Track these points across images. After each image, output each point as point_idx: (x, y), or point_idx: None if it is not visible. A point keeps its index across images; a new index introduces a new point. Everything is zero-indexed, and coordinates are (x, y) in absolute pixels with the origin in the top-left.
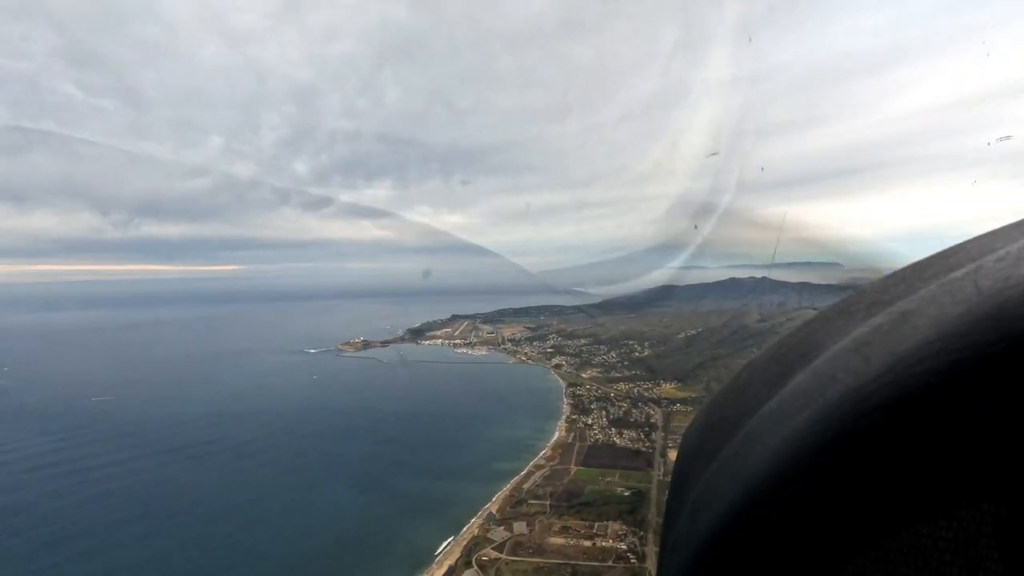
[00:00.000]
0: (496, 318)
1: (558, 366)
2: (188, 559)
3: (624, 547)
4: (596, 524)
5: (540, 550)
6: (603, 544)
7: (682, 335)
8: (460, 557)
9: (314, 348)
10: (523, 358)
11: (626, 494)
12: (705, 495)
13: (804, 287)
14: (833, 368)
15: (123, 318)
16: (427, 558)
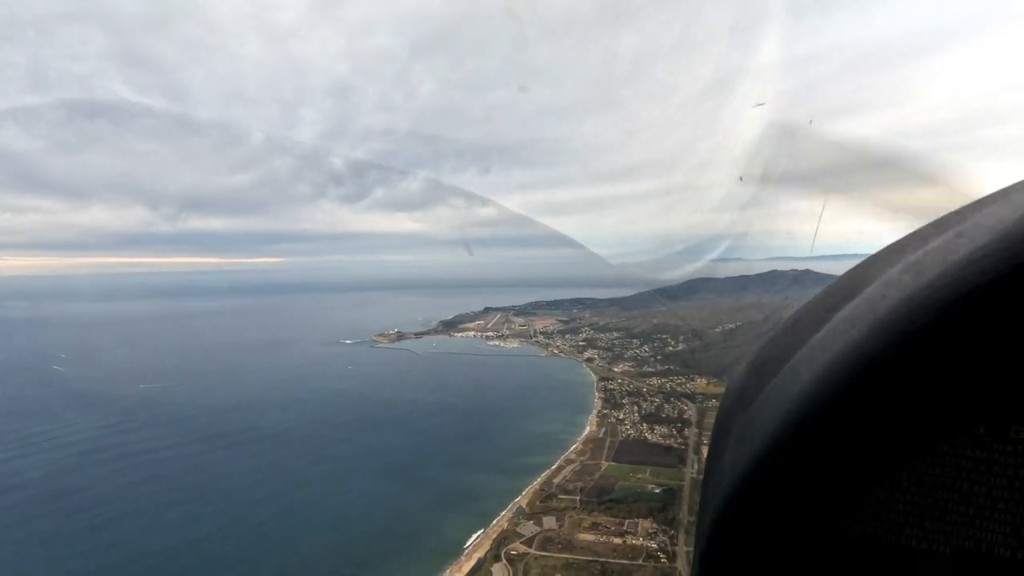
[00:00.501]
0: (528, 311)
1: (590, 359)
2: (224, 543)
3: (655, 546)
4: (626, 521)
5: (569, 546)
6: (633, 542)
7: (719, 329)
8: (489, 550)
9: (349, 339)
10: (555, 351)
11: (657, 491)
12: (748, 428)
13: None
14: (884, 289)
15: (171, 308)
16: (456, 550)
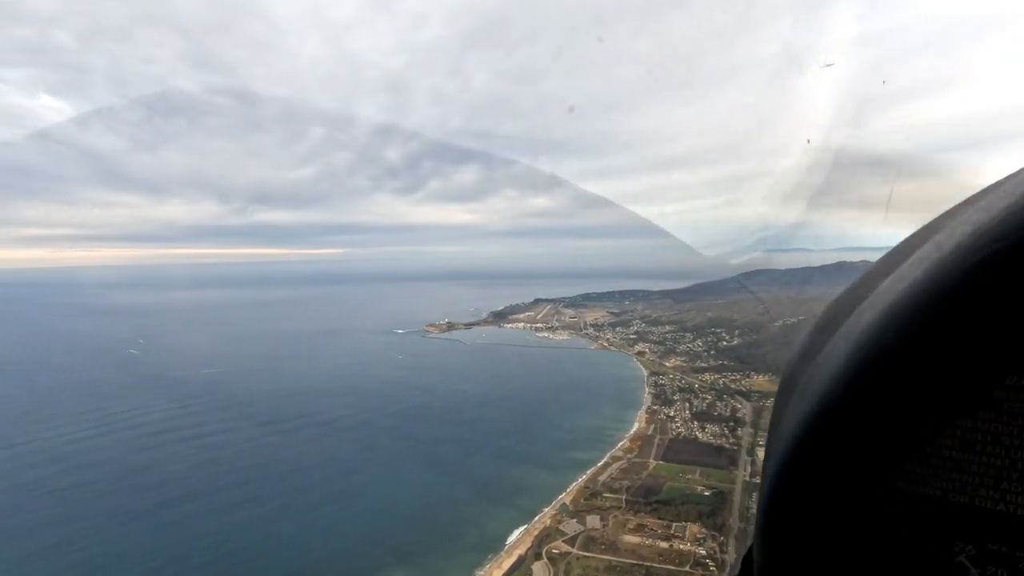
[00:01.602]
0: (579, 302)
1: (640, 353)
2: (274, 526)
3: (703, 552)
4: (674, 524)
5: (613, 547)
6: (680, 547)
7: (779, 323)
8: (531, 547)
9: (402, 329)
10: (604, 344)
11: (707, 494)
12: (809, 383)
13: None
14: (951, 231)
15: (238, 297)
16: (498, 545)
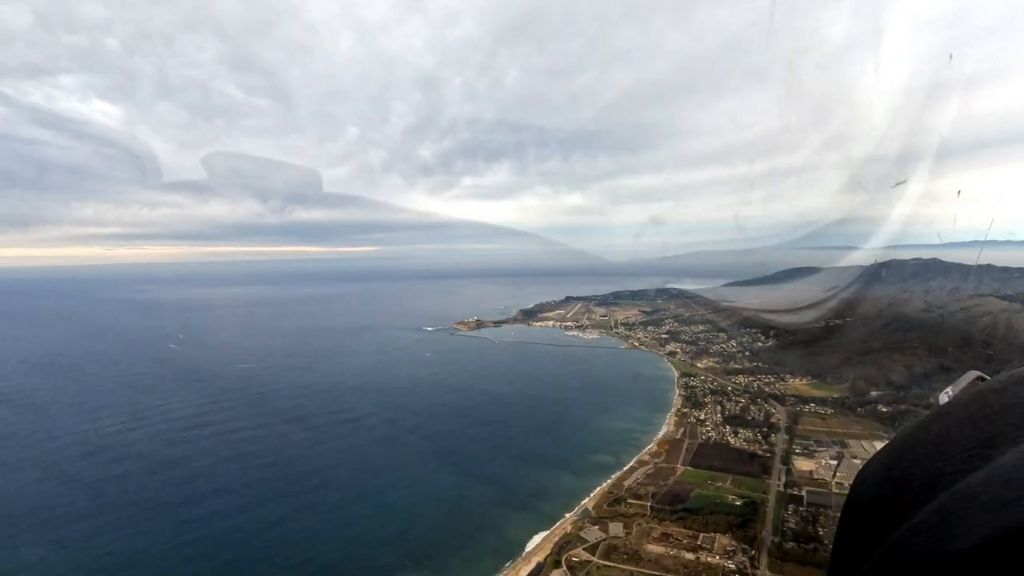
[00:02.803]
0: (611, 301)
1: (672, 353)
2: (293, 525)
3: (732, 566)
4: (701, 535)
5: (635, 557)
6: (708, 559)
7: (821, 324)
8: (550, 555)
9: (431, 326)
10: (635, 343)
11: (738, 503)
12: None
13: (985, 270)
14: None
15: (277, 294)
16: (516, 551)
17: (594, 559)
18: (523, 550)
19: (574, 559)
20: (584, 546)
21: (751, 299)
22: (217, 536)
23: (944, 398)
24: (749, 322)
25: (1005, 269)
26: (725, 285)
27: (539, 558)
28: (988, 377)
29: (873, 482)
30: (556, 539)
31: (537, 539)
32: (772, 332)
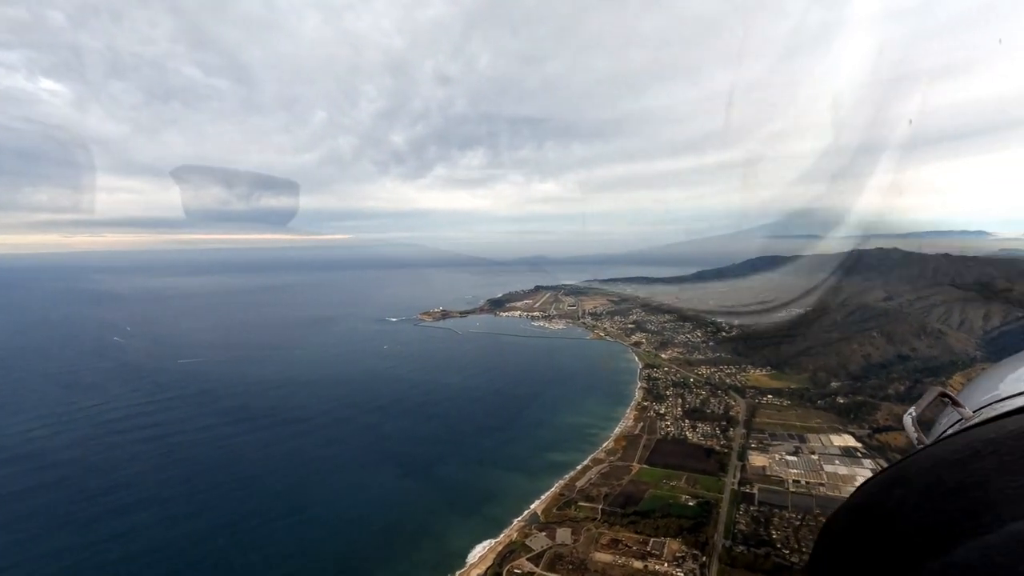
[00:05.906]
0: (580, 290)
1: (637, 344)
2: (217, 541)
3: (681, 574)
4: (651, 540)
5: (581, 567)
6: (656, 567)
7: (783, 314)
8: (491, 567)
9: (395, 317)
10: (601, 334)
11: (691, 504)
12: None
13: (944, 260)
14: None
15: (237, 283)
16: (457, 563)
17: (537, 570)
18: (464, 562)
19: (516, 570)
20: (529, 555)
21: (710, 299)
22: (134, 556)
23: (908, 419)
24: (715, 311)
25: (962, 258)
26: (695, 274)
27: (479, 570)
28: (952, 395)
29: (840, 532)
30: (500, 548)
31: (481, 549)
32: (736, 322)
